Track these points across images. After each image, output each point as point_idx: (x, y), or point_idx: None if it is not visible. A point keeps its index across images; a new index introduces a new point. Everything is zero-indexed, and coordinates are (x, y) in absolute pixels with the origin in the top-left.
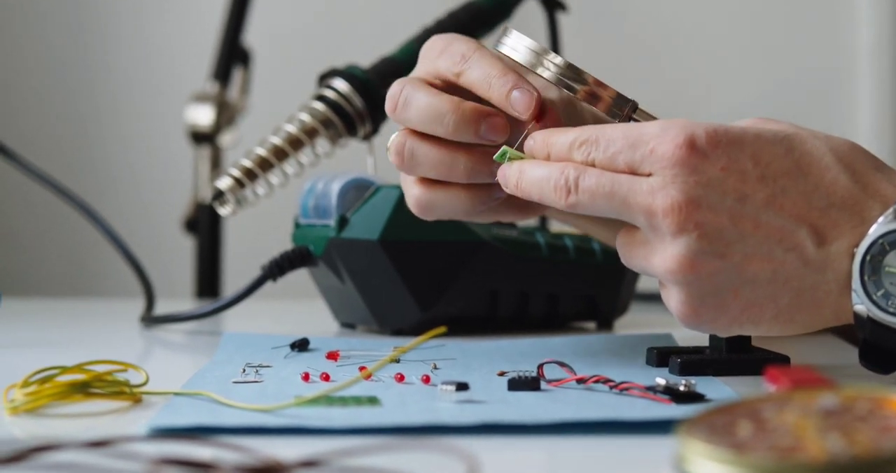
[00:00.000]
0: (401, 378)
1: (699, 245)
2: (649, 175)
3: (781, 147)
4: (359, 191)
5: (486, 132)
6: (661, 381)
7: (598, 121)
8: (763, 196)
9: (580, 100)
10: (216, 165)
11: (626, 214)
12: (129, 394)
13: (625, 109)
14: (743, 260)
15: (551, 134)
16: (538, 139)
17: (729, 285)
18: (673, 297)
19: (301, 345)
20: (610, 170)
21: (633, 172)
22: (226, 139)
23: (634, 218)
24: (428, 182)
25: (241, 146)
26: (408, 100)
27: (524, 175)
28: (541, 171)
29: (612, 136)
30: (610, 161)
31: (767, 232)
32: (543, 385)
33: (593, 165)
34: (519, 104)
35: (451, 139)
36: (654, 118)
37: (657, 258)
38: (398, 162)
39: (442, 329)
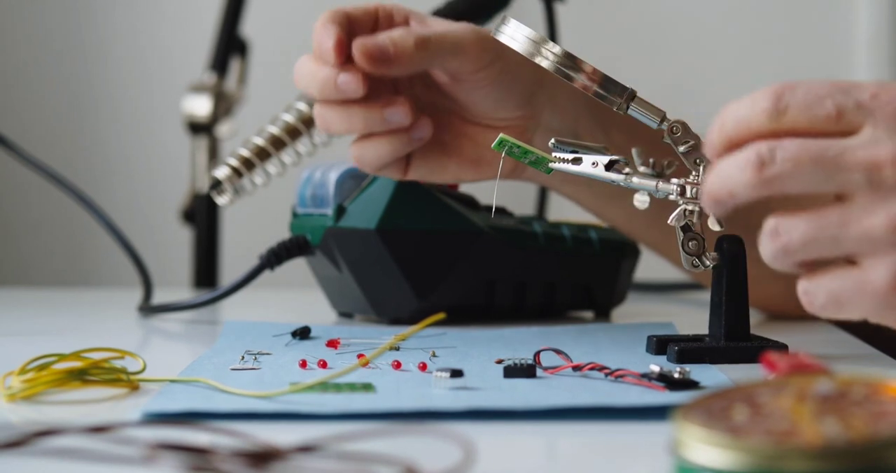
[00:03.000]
0: (398, 365)
1: None
2: (851, 132)
3: None
4: (356, 180)
5: (343, 85)
6: (655, 368)
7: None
8: None
9: (579, 89)
10: (213, 156)
11: (838, 176)
12: (127, 381)
13: (623, 97)
14: None
15: (728, 108)
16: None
17: None
18: (880, 270)
19: (302, 333)
20: (809, 117)
21: (839, 118)
22: (223, 129)
23: (848, 178)
24: (357, 140)
25: (239, 136)
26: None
27: (711, 175)
28: (727, 161)
29: (813, 82)
30: (813, 103)
31: None
32: (539, 372)
33: (785, 114)
34: (323, 43)
35: (334, 99)
36: (652, 106)
37: (873, 219)
38: (324, 125)
39: (441, 315)
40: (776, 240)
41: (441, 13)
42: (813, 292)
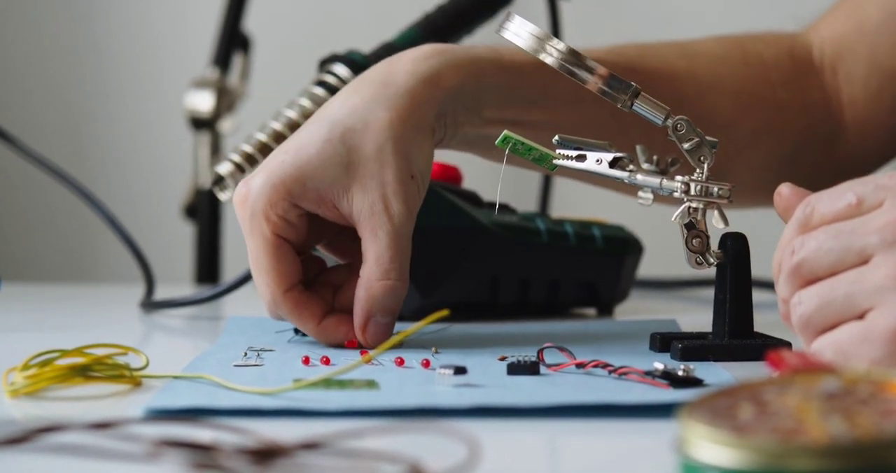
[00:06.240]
0: (401, 362)
1: None
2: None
3: None
4: None
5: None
6: (659, 366)
7: None
8: None
9: (583, 85)
10: (216, 151)
11: (856, 244)
12: (129, 378)
13: (627, 93)
14: None
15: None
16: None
17: None
18: (885, 316)
19: None
20: (834, 211)
21: (860, 203)
22: (226, 125)
23: (866, 243)
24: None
25: (241, 132)
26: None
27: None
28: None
29: (838, 185)
30: (836, 199)
31: None
32: (543, 369)
33: (812, 216)
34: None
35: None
36: (656, 103)
37: (882, 271)
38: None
39: (445, 312)
40: (797, 310)
41: (445, 9)
42: (821, 348)
